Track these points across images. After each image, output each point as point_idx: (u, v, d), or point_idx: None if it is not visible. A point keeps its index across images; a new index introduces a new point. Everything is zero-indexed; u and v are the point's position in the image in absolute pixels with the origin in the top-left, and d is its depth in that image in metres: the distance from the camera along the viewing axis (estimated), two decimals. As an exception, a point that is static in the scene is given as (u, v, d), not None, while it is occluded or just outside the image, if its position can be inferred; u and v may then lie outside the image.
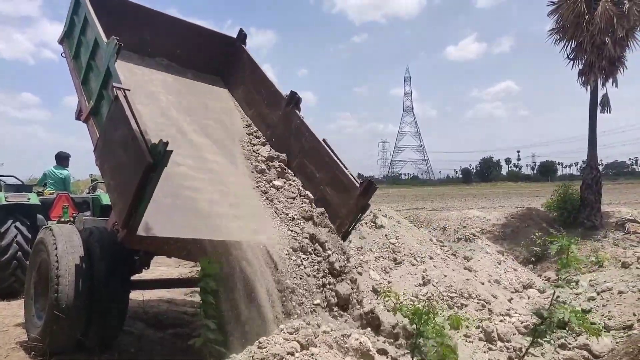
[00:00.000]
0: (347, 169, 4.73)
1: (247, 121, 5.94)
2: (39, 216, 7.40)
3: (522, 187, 70.81)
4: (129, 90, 3.84)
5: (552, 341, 5.65)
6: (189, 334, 5.30)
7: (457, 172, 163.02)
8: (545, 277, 9.46)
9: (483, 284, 7.27)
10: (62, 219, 6.81)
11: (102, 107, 4.41)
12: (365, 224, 9.13)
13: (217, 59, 6.41)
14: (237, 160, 5.15)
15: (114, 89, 3.85)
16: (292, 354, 3.36)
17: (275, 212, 4.70)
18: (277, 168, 5.23)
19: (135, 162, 3.39)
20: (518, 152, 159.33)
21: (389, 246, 8.15)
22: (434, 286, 6.94)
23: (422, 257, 7.85)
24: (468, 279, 7.12)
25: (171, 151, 3.23)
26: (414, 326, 3.52)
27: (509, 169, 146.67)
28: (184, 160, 4.51)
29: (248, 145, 5.59)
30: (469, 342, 5.68)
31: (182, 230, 3.73)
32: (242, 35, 6.49)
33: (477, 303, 6.62)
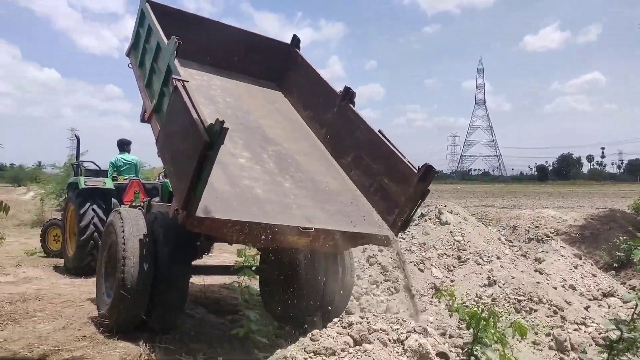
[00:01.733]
0: (404, 156, 4.63)
1: (301, 122, 6.08)
2: (113, 200, 7.82)
3: (606, 187, 66.28)
4: (187, 81, 4.01)
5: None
6: (249, 306, 5.38)
7: (531, 168, 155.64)
8: (629, 285, 8.72)
9: (556, 288, 6.83)
10: (133, 204, 7.12)
11: (163, 104, 4.63)
12: (430, 219, 8.88)
13: (273, 65, 6.64)
14: (291, 155, 5.23)
15: (174, 80, 4.06)
16: (344, 349, 3.29)
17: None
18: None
19: (193, 144, 3.51)
20: (602, 149, 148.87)
21: (453, 243, 7.87)
22: (500, 287, 6.61)
23: (488, 257, 7.52)
24: (539, 282, 6.71)
25: (227, 128, 3.31)
26: (471, 330, 3.26)
27: (591, 167, 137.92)
28: (240, 152, 4.71)
29: (302, 142, 5.70)
30: (538, 349, 5.35)
31: (240, 213, 3.82)
32: (295, 41, 6.70)
33: (549, 309, 6.22)
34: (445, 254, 7.64)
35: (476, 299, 6.39)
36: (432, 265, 7.27)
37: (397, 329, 3.68)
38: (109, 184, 7.95)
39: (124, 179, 8.37)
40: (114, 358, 3.79)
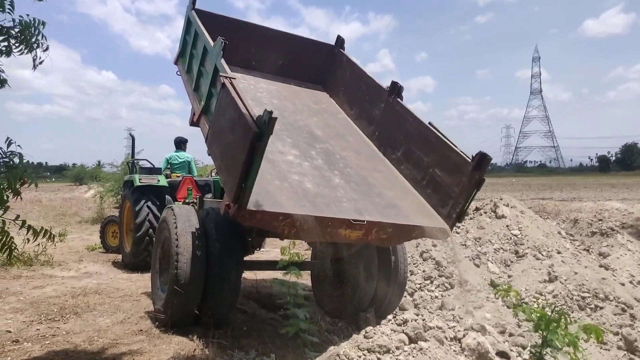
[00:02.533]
0: (456, 146, 4.48)
1: (349, 120, 6.07)
2: (167, 197, 8.01)
3: (675, 178, 62.15)
4: (235, 78, 4.04)
5: None
6: (297, 304, 5.36)
7: (591, 159, 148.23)
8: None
9: (623, 284, 6.42)
10: (187, 200, 7.25)
11: (211, 104, 4.68)
12: (485, 213, 8.57)
13: (318, 67, 6.70)
14: (339, 152, 5.19)
15: (221, 77, 4.09)
16: (399, 347, 3.18)
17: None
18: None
19: (242, 136, 3.51)
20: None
21: (510, 238, 7.56)
22: (562, 284, 6.28)
23: (548, 251, 7.17)
24: (604, 278, 6.32)
25: (275, 118, 3.31)
26: (539, 332, 3.02)
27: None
28: (288, 150, 4.73)
29: (350, 139, 5.66)
30: (605, 349, 5.04)
31: (291, 206, 3.78)
32: (340, 41, 6.74)
33: (616, 306, 5.85)
34: (502, 248, 7.35)
35: (536, 295, 6.10)
36: (488, 260, 7.01)
37: (454, 326, 3.53)
38: (162, 181, 8.17)
39: (177, 176, 8.55)
40: (169, 352, 3.85)
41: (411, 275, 6.67)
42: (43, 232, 2.46)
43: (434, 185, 4.62)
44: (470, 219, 8.65)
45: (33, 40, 2.73)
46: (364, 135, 5.73)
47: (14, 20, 2.66)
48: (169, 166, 9.11)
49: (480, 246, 7.38)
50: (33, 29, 2.72)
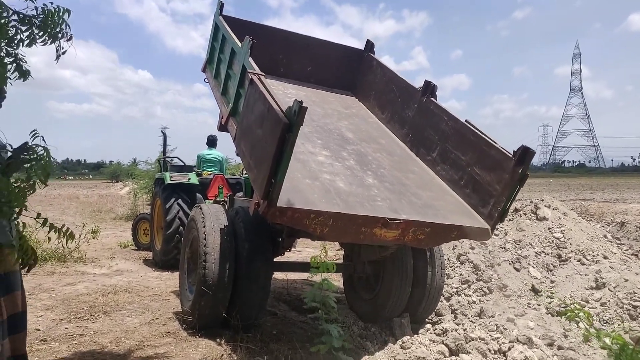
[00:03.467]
0: (495, 142, 4.28)
1: (380, 124, 5.97)
2: (198, 195, 7.93)
3: None
4: (263, 75, 3.99)
5: None
6: (329, 320, 5.16)
7: (634, 159, 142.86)
8: None
9: (678, 293, 5.97)
10: (217, 199, 7.17)
11: (239, 105, 4.61)
12: (525, 214, 8.19)
13: (348, 72, 6.66)
14: (372, 154, 5.05)
15: (249, 74, 4.06)
16: (438, 359, 2.96)
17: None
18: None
19: (272, 129, 3.38)
20: None
21: (552, 241, 7.17)
22: (611, 291, 5.89)
23: (593, 256, 6.76)
24: (657, 286, 5.90)
25: (306, 107, 3.16)
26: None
27: None
28: (319, 151, 4.64)
29: (382, 141, 5.53)
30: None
31: (323, 204, 3.61)
32: (369, 46, 6.69)
33: (671, 316, 5.43)
34: (544, 252, 6.98)
35: (582, 302, 5.73)
36: (529, 264, 6.66)
37: (498, 338, 3.29)
38: (193, 179, 8.10)
39: (208, 174, 8.49)
40: (196, 357, 3.71)
41: (448, 278, 6.38)
42: (63, 230, 2.34)
43: (474, 184, 4.41)
44: (509, 220, 8.28)
45: (57, 30, 2.61)
46: (396, 138, 5.59)
47: (36, 8, 2.55)
48: (201, 163, 9.04)
49: (520, 249, 7.03)
50: (57, 17, 2.60)
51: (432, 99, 5.20)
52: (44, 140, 2.48)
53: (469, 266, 6.46)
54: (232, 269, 4.24)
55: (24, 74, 2.51)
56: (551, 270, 6.62)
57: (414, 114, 5.41)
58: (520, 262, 6.69)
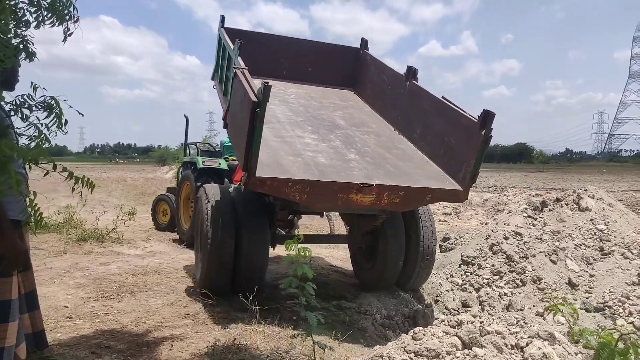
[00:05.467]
0: (465, 111, 4.67)
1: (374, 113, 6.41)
2: (226, 180, 8.24)
3: None
4: (246, 69, 4.43)
5: None
6: (352, 307, 5.10)
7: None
8: None
9: None
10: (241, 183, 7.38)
11: (233, 102, 5.04)
12: (566, 205, 7.81)
13: (345, 70, 7.17)
14: (360, 136, 5.47)
15: (234, 69, 4.56)
16: (450, 352, 2.83)
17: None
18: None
19: (246, 109, 3.85)
20: None
21: (594, 233, 6.80)
22: (655, 287, 5.52)
23: (639, 250, 6.37)
24: None
25: (270, 86, 3.68)
26: None
27: None
28: (308, 135, 5.10)
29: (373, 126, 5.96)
30: None
31: (300, 175, 4.03)
32: (364, 43, 7.25)
33: None
34: (584, 244, 6.63)
35: (622, 299, 5.41)
36: (567, 256, 6.34)
37: (517, 332, 3.11)
38: (223, 164, 8.55)
39: (233, 160, 8.76)
40: (209, 339, 3.72)
41: (479, 269, 6.18)
42: (84, 179, 2.38)
43: (450, 153, 4.79)
44: (550, 210, 7.92)
45: (65, 12, 2.62)
46: (387, 122, 6.01)
47: (44, -11, 2.56)
48: (227, 149, 9.40)
49: (558, 241, 6.70)
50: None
51: (414, 81, 5.65)
52: (45, 90, 2.53)
53: (502, 257, 6.22)
54: (233, 240, 4.70)
55: (31, 55, 2.53)
56: (591, 264, 6.28)
57: (402, 98, 5.88)
58: (558, 254, 6.38)
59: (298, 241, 2.90)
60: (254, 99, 3.73)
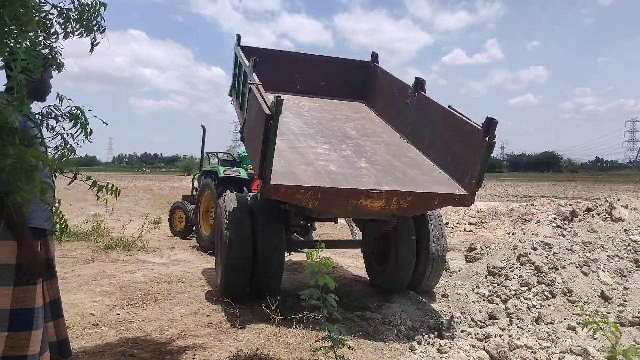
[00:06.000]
0: (469, 119, 4.84)
1: (385, 124, 6.62)
2: (245, 189, 8.46)
3: None
4: (260, 84, 4.68)
5: None
6: (376, 318, 5.02)
7: None
8: None
9: None
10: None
11: (249, 116, 5.29)
12: (598, 214, 7.57)
13: (358, 83, 7.42)
14: (370, 146, 5.69)
15: (249, 84, 4.84)
16: (478, 367, 2.74)
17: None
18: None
19: (260, 121, 4.06)
20: None
21: (629, 244, 6.55)
22: (694, 301, 5.28)
23: (677, 262, 6.10)
24: None
25: (282, 100, 3.87)
26: None
27: None
28: (320, 145, 5.36)
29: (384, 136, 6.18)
30: None
31: (312, 182, 4.25)
32: (374, 57, 7.45)
33: None
34: (617, 255, 6.39)
35: (659, 313, 5.18)
36: (599, 268, 6.12)
37: (548, 347, 3.01)
38: (243, 174, 8.77)
39: (251, 169, 8.96)
40: (231, 349, 3.71)
41: (506, 280, 6.02)
42: (109, 187, 2.39)
43: (456, 160, 4.98)
44: (580, 220, 7.69)
45: (93, 22, 2.66)
46: (397, 132, 6.22)
47: (73, 1, 2.61)
48: (242, 159, 9.66)
49: (590, 252, 6.48)
50: (93, 10, 2.65)
51: (422, 92, 5.87)
52: (71, 100, 2.56)
53: (530, 268, 6.04)
54: (250, 246, 4.90)
55: (59, 66, 2.57)
56: (625, 276, 6.05)
57: (410, 109, 6.08)
58: (589, 266, 6.16)
59: (320, 249, 2.81)
60: (267, 112, 3.94)
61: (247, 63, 5.68)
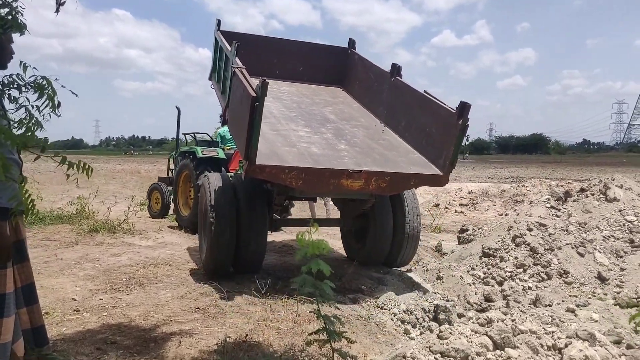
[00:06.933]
0: (444, 103, 5.04)
1: (362, 108, 6.85)
2: (222, 168, 8.28)
3: None
4: (244, 68, 4.79)
5: None
6: (369, 301, 4.88)
7: None
8: None
9: None
10: (238, 172, 7.50)
11: (232, 97, 5.41)
12: (592, 195, 7.47)
13: (335, 68, 7.61)
14: (349, 129, 5.91)
15: (232, 68, 5.00)
16: (480, 353, 2.59)
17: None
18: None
19: (246, 103, 4.16)
20: None
21: (624, 224, 6.46)
22: (691, 282, 5.20)
23: (672, 242, 6.02)
24: None
25: (267, 82, 4.04)
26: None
27: None
28: (301, 128, 5.58)
29: (361, 120, 6.43)
30: None
31: (295, 162, 4.45)
32: (351, 43, 7.69)
33: None
34: (613, 236, 6.30)
35: (656, 294, 5.10)
36: (595, 249, 6.02)
37: (553, 332, 2.86)
38: (221, 154, 8.81)
39: (228, 149, 9.05)
40: (220, 335, 3.53)
41: (501, 261, 5.90)
42: (80, 165, 2.16)
43: (432, 142, 5.19)
44: (574, 201, 7.59)
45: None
46: (374, 117, 6.44)
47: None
48: (221, 139, 9.54)
49: (585, 232, 6.38)
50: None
51: (399, 77, 6.07)
52: (36, 69, 2.32)
53: (525, 249, 5.93)
54: (234, 224, 5.02)
55: (20, 28, 2.31)
56: (621, 257, 5.96)
57: (387, 94, 6.29)
58: (585, 247, 6.07)
59: (313, 231, 2.51)
60: (253, 94, 4.08)
61: (229, 48, 5.78)
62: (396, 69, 6.16)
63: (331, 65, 7.62)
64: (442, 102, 5.08)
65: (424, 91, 5.50)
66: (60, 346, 3.38)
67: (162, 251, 6.84)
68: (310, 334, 2.64)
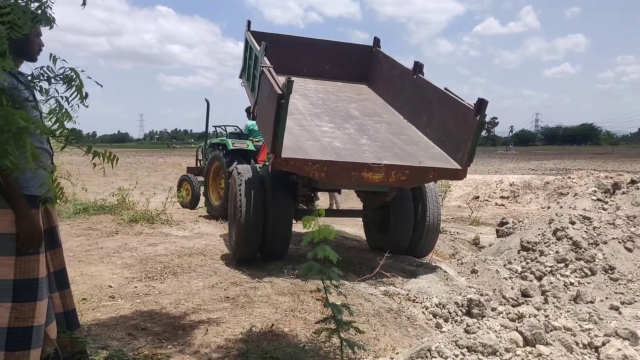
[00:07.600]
0: (463, 100, 5.18)
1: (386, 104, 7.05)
2: (252, 160, 8.33)
3: None
4: (272, 67, 5.08)
5: None
6: (400, 294, 4.80)
7: None
8: None
9: None
10: (266, 163, 7.51)
11: (261, 96, 5.71)
12: (643, 186, 7.09)
13: (360, 66, 7.86)
14: (372, 125, 6.13)
15: (261, 67, 5.32)
16: (509, 349, 2.48)
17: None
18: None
19: (273, 100, 4.44)
20: None
21: (677, 218, 6.11)
22: None
23: None
24: None
25: (292, 81, 4.31)
26: None
27: None
28: (325, 124, 5.84)
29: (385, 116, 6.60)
30: None
31: (319, 156, 4.69)
32: (376, 41, 7.91)
33: None
34: (664, 230, 5.95)
35: None
36: (644, 244, 5.72)
37: (590, 329, 2.72)
38: (250, 146, 9.11)
39: (257, 141, 9.24)
40: (246, 324, 3.54)
41: (540, 255, 5.69)
42: (106, 155, 2.21)
43: (451, 138, 5.34)
44: (623, 193, 7.22)
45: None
46: (397, 112, 6.64)
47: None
48: (249, 132, 9.71)
49: (634, 227, 6.06)
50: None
51: (421, 75, 6.29)
52: (65, 61, 2.37)
53: (567, 243, 5.69)
54: (261, 213, 5.22)
55: (49, 21, 2.36)
56: (672, 252, 5.64)
57: (409, 91, 6.52)
58: (634, 242, 5.76)
59: (318, 216, 2.39)
60: (279, 92, 4.35)
61: (258, 47, 6.04)
62: (418, 67, 6.36)
63: (357, 63, 7.87)
64: (461, 99, 5.24)
65: (445, 88, 5.67)
66: (94, 331, 3.47)
67: (198, 241, 6.95)
68: (317, 322, 2.60)
